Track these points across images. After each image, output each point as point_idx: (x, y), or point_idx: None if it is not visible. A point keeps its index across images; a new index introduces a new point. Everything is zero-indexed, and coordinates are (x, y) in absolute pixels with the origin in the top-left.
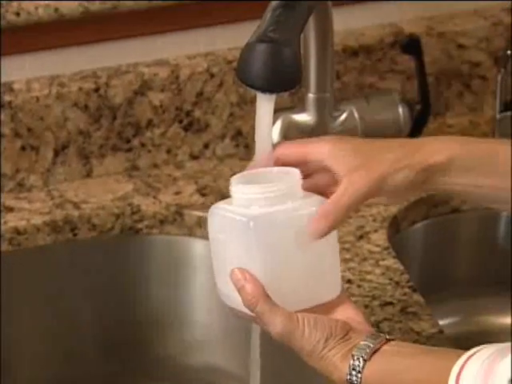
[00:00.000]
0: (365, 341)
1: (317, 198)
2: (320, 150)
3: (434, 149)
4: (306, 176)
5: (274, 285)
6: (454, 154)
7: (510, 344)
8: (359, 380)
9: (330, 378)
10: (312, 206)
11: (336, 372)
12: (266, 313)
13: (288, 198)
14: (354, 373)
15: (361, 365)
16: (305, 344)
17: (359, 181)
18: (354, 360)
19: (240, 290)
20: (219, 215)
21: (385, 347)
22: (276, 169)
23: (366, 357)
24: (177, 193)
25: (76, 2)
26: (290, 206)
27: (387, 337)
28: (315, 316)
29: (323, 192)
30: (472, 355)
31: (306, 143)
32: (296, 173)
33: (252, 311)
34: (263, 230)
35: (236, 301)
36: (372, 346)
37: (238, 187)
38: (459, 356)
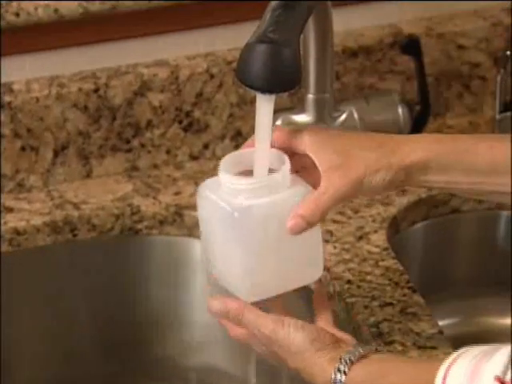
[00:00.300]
0: (354, 347)
1: (302, 187)
2: (302, 142)
3: (411, 149)
4: (294, 155)
5: (255, 272)
6: (430, 154)
7: (495, 346)
8: (343, 381)
9: (314, 381)
10: (297, 197)
11: (322, 374)
12: (252, 321)
13: (274, 188)
14: (339, 375)
15: (347, 366)
16: (291, 344)
17: (338, 181)
18: (341, 362)
19: (224, 316)
20: (208, 199)
21: (373, 355)
22: None
23: (353, 359)
24: (176, 193)
25: (76, 3)
26: (275, 197)
27: (377, 348)
28: (303, 321)
29: (310, 172)
30: (457, 357)
31: (289, 133)
32: (285, 161)
33: (240, 324)
34: (247, 222)
35: (220, 274)
36: (362, 351)
37: (225, 176)
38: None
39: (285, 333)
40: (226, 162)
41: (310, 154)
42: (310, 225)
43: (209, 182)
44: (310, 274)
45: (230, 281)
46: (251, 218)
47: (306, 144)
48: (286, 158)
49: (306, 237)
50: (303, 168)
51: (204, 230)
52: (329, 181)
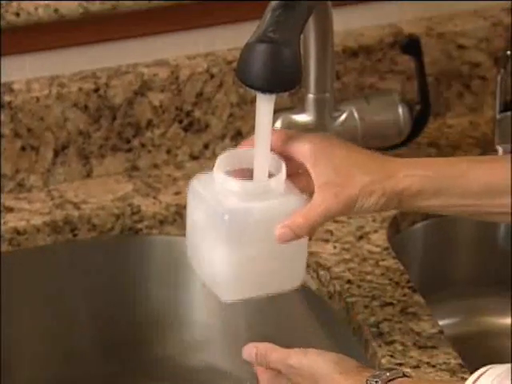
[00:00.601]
0: (381, 371)
1: (296, 197)
2: (301, 150)
3: (405, 175)
4: (290, 158)
5: (236, 273)
6: (424, 180)
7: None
8: None
9: None
10: (288, 206)
11: None
12: (277, 356)
13: (267, 194)
14: None
15: None
16: (314, 371)
17: (332, 199)
18: None
19: (254, 358)
20: (199, 195)
21: (399, 379)
22: None
23: (381, 382)
24: (177, 193)
25: (76, 3)
26: (266, 204)
27: (404, 371)
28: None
29: (304, 178)
30: (481, 375)
31: (291, 140)
32: (281, 167)
33: (266, 364)
34: (235, 224)
35: (199, 266)
36: (389, 375)
37: (220, 176)
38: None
39: (308, 360)
40: (223, 159)
41: (308, 166)
42: (297, 236)
43: (202, 177)
44: (289, 282)
45: (208, 275)
46: (240, 222)
47: (306, 154)
48: (283, 164)
49: (292, 245)
50: (297, 173)
51: (190, 221)
52: (322, 196)
